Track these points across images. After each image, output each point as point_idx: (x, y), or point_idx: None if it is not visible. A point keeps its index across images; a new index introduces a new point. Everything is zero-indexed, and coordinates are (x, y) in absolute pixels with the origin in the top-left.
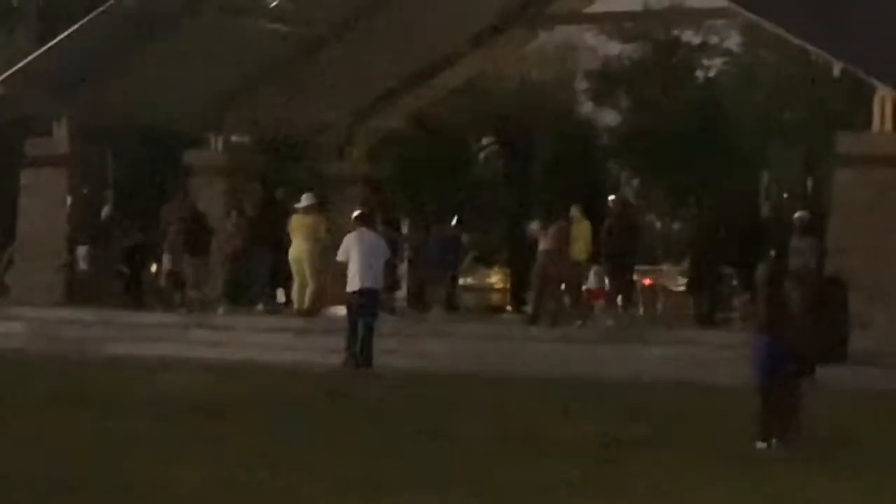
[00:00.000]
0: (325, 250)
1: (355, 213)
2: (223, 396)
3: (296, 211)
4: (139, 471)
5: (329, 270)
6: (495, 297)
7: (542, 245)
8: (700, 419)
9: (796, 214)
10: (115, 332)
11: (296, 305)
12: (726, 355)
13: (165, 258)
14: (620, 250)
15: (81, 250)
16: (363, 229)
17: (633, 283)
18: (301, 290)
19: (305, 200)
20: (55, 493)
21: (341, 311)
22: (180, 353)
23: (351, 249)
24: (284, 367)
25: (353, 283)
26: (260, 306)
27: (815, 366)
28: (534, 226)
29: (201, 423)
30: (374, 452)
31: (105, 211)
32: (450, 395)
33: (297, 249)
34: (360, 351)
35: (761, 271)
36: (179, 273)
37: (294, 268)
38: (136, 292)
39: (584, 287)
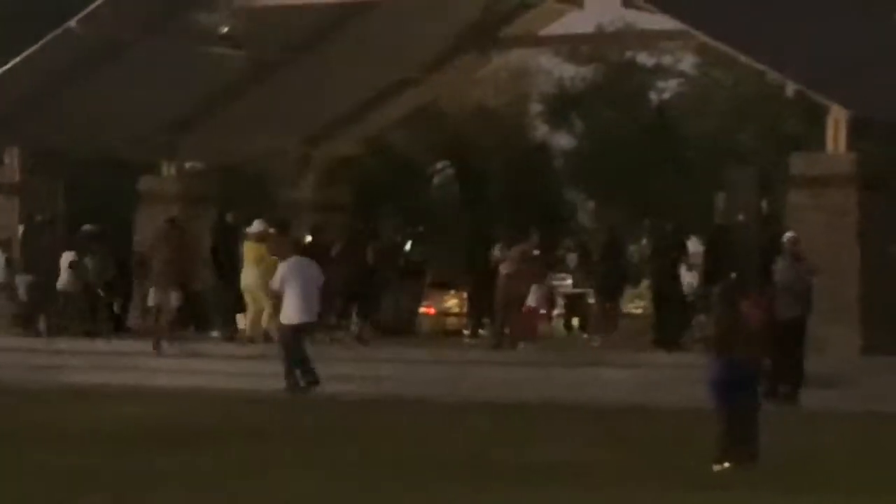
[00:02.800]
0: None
1: (287, 240)
2: (182, 425)
3: (247, 237)
4: (104, 500)
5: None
6: (451, 322)
7: (504, 268)
8: (658, 442)
9: (787, 236)
10: (69, 361)
11: (248, 332)
12: (683, 377)
13: (152, 292)
14: (608, 278)
15: (21, 279)
16: (298, 257)
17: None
18: (254, 316)
19: (257, 226)
20: None
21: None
22: (137, 382)
23: (288, 279)
24: (242, 394)
25: (293, 317)
26: (215, 333)
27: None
28: (497, 250)
29: (163, 452)
30: (331, 478)
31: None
32: (404, 420)
33: (247, 276)
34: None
35: (716, 292)
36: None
37: (246, 295)
38: (94, 326)
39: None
